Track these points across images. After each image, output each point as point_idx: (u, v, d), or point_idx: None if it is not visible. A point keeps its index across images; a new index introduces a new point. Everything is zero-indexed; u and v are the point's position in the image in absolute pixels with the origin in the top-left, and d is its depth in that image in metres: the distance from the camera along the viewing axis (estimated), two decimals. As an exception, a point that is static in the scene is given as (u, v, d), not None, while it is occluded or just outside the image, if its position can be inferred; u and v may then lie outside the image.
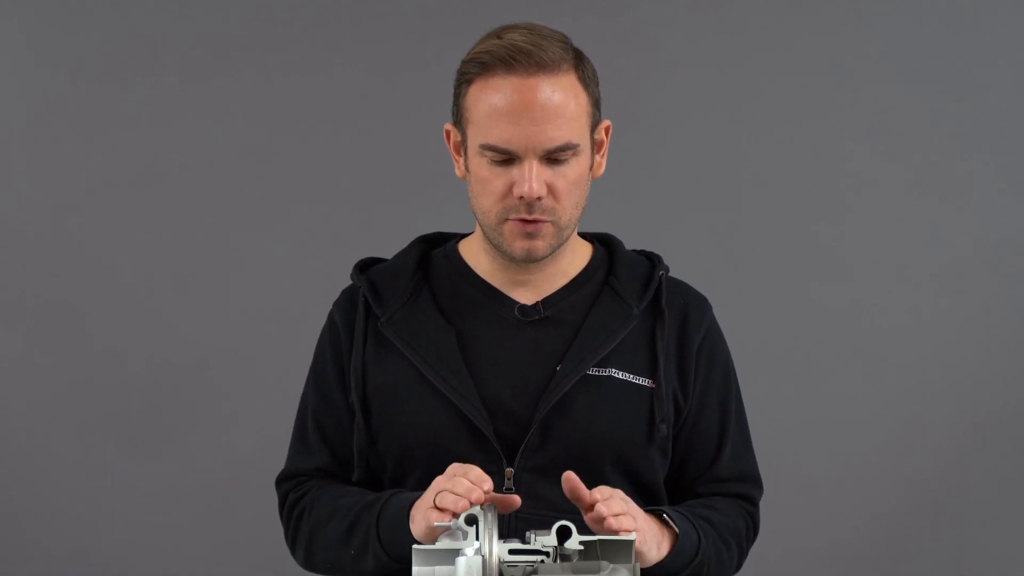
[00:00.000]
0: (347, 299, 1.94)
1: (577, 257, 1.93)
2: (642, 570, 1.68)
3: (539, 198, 1.78)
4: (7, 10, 3.28)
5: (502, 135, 1.77)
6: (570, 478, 1.68)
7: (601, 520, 1.65)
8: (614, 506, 1.66)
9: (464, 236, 1.97)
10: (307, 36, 3.30)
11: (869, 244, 3.29)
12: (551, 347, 1.86)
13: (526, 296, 1.89)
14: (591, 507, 1.67)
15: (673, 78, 3.30)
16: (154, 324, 3.26)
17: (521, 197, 1.78)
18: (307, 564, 1.91)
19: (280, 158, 3.29)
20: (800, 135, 3.30)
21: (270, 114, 3.29)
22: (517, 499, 1.70)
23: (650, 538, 1.72)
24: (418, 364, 1.84)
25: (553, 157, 1.78)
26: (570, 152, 1.79)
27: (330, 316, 1.95)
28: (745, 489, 1.94)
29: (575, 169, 1.81)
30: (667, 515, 1.77)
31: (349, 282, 1.96)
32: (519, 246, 1.82)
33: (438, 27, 3.27)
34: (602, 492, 1.67)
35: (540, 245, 1.83)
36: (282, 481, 1.95)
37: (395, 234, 2.07)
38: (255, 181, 3.29)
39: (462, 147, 1.86)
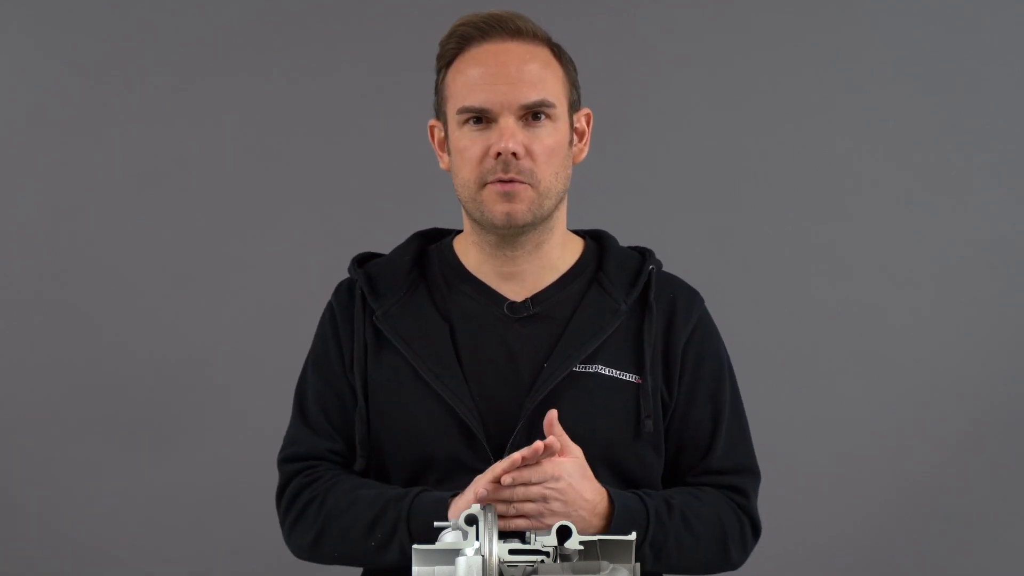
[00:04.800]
0: (345, 291, 1.95)
1: (568, 252, 1.94)
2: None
3: (515, 154, 1.80)
4: (7, 10, 3.28)
5: (478, 96, 1.82)
6: (549, 418, 1.75)
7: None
8: (532, 492, 1.74)
9: (459, 232, 1.97)
10: (307, 36, 3.30)
11: (869, 244, 3.28)
12: (540, 344, 1.87)
13: (516, 291, 1.90)
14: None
15: (672, 78, 3.30)
16: (154, 324, 3.26)
17: (499, 154, 1.80)
18: (312, 551, 1.87)
19: (280, 158, 3.29)
20: (799, 135, 3.29)
21: (270, 114, 3.29)
22: (540, 445, 1.74)
23: (573, 514, 1.75)
24: (412, 360, 1.86)
25: (531, 114, 1.82)
26: (546, 111, 1.82)
27: (329, 305, 1.95)
28: (738, 481, 1.93)
29: (552, 135, 1.83)
30: (610, 493, 1.79)
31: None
32: (499, 210, 1.83)
33: (438, 27, 3.23)
34: (551, 464, 1.75)
35: (519, 208, 1.83)
36: (289, 461, 1.92)
37: (394, 233, 2.07)
38: (255, 181, 3.29)
39: (446, 143, 1.88)
